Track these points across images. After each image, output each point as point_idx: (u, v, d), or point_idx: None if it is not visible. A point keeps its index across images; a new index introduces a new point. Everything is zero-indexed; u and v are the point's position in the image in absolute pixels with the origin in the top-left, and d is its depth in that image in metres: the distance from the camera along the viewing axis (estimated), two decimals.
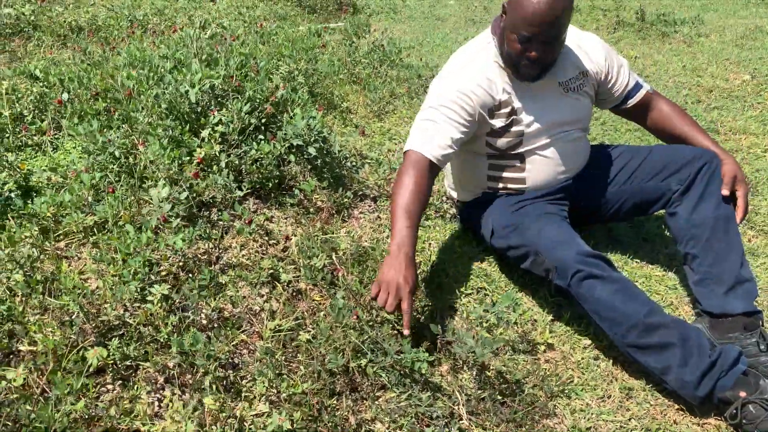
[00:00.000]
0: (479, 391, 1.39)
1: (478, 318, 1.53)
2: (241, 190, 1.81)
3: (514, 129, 1.67)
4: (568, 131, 1.71)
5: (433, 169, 1.59)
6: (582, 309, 1.51)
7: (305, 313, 1.54)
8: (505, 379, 1.42)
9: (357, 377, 1.38)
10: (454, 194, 1.95)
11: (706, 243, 1.60)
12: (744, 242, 1.99)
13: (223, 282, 1.57)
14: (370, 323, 1.49)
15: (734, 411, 1.33)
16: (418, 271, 1.72)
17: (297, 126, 1.85)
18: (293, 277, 1.62)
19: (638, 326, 1.40)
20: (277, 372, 1.35)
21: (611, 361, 1.54)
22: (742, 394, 1.33)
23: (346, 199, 1.93)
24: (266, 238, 1.76)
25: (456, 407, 1.34)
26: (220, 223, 1.74)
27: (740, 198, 1.62)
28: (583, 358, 1.54)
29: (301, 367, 1.38)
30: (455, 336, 1.41)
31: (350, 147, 2.26)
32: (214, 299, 1.52)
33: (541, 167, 1.72)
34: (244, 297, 1.55)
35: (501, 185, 1.76)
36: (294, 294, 1.60)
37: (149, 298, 1.41)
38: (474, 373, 1.43)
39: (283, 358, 1.39)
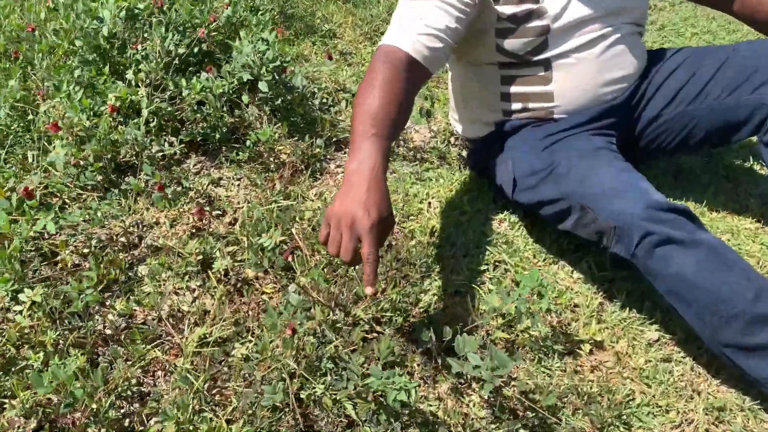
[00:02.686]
0: (494, 426, 0.94)
1: (491, 311, 1.06)
2: (172, 146, 1.37)
3: (533, 24, 1.15)
4: (614, 26, 1.18)
5: (413, 69, 1.06)
6: (651, 287, 1.03)
7: (249, 312, 1.11)
8: (532, 403, 0.97)
9: (312, 411, 0.95)
10: (459, 128, 1.45)
11: None
12: None
13: (142, 274, 1.15)
14: (338, 325, 1.05)
15: None
16: (407, 227, 1.25)
17: (244, 54, 1.37)
18: (237, 262, 1.19)
19: (741, 316, 0.92)
20: (195, 408, 0.94)
21: (690, 364, 1.06)
22: None
23: (317, 149, 1.46)
24: (209, 208, 1.32)
25: None
26: (150, 192, 1.31)
27: None
28: (647, 362, 1.07)
29: (233, 399, 0.97)
30: (456, 344, 0.95)
31: (326, 79, 1.76)
32: (125, 299, 1.11)
33: (576, 78, 1.20)
34: (164, 294, 1.13)
35: (520, 106, 1.26)
36: (237, 286, 1.16)
37: (16, 308, 1.01)
38: (487, 395, 0.98)
39: (206, 385, 0.97)
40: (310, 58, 1.85)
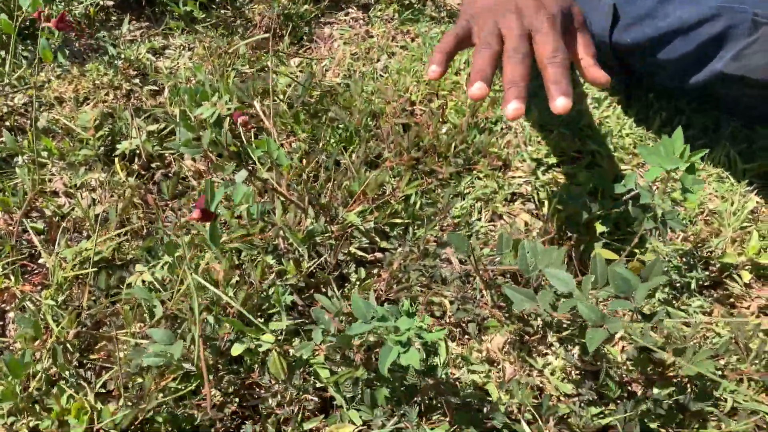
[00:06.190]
0: (594, 411, 0.50)
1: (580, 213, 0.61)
2: None
3: None
4: None
5: None
6: None
7: (160, 220, 0.68)
8: (659, 371, 0.52)
9: (258, 379, 0.53)
10: None
11: None
12: None
13: (19, 164, 0.74)
14: (315, 237, 0.61)
15: None
16: (435, 106, 0.80)
17: None
18: (166, 149, 0.76)
19: None
20: (48, 373, 0.53)
21: None
22: None
23: (305, 6, 1.01)
24: (137, 82, 0.89)
25: None
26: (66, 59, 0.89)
27: None
28: None
29: (120, 359, 0.55)
30: (520, 258, 0.50)
31: None
32: None
33: None
34: (48, 194, 0.71)
35: None
36: (161, 184, 0.74)
37: None
38: (576, 353, 0.54)
39: (74, 332, 0.56)
40: None
